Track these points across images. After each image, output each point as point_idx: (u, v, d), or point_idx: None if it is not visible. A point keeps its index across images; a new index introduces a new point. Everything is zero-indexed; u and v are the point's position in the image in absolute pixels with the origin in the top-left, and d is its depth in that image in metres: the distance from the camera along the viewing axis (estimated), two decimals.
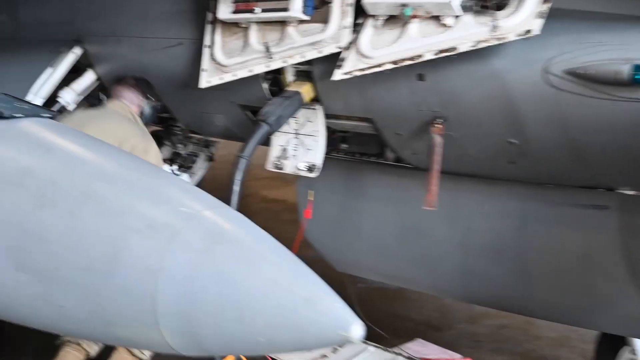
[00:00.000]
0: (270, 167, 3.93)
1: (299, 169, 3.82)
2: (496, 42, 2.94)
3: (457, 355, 4.38)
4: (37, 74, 4.51)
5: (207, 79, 3.78)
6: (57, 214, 2.37)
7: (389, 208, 4.19)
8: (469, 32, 3.00)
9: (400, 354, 4.18)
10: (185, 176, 5.02)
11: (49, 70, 4.51)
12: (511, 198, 3.73)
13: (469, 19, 3.02)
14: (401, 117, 3.52)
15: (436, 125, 3.32)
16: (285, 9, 3.43)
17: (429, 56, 3.10)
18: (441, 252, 4.03)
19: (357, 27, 3.37)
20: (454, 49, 3.03)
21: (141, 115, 4.32)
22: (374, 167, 4.16)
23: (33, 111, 2.93)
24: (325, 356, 4.18)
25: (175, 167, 5.04)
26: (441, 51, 3.07)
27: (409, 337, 4.69)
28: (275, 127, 3.57)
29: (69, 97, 4.56)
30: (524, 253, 3.74)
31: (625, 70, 2.77)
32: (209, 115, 4.38)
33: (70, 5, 4.61)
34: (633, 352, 3.82)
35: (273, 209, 7.32)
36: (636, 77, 2.77)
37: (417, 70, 3.26)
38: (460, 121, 3.33)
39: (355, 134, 3.99)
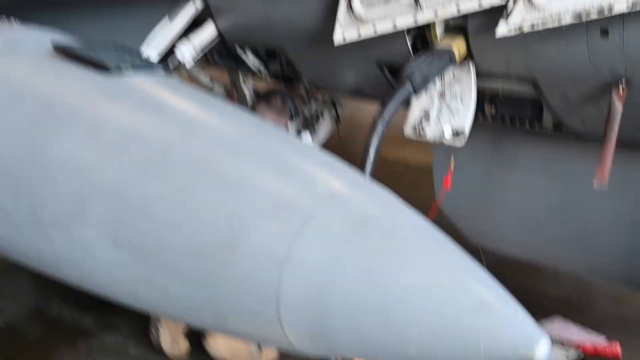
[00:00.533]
0: (409, 132, 3.45)
1: (444, 136, 3.33)
2: None
3: (601, 338, 4.13)
4: (154, 24, 4.18)
5: (343, 34, 3.30)
6: (165, 186, 2.08)
7: (543, 181, 3.74)
8: None
9: None
10: (307, 136, 4.64)
11: (165, 21, 4.16)
12: None
13: None
14: (573, 78, 3.03)
15: (618, 89, 2.82)
16: None
17: (620, 7, 2.54)
18: (604, 232, 3.59)
19: None
20: None
21: None
22: (527, 135, 3.68)
23: (143, 64, 2.65)
24: None
25: (296, 125, 4.66)
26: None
27: (545, 315, 4.39)
28: (419, 88, 3.07)
29: (186, 51, 4.19)
30: None
31: None
32: (340, 71, 3.94)
33: None
34: None
35: (394, 171, 6.89)
36: None
37: (599, 24, 2.73)
38: None
39: (505, 96, 3.48)
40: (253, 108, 4.17)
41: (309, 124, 4.79)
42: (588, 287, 4.98)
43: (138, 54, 2.91)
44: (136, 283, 2.18)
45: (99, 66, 2.45)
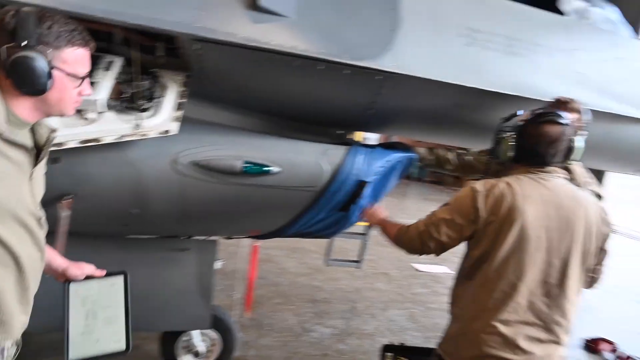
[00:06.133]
0: None
1: None
2: (140, 137, 3.15)
3: None
4: None
5: None
6: None
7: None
8: (112, 127, 3.09)
9: None
10: None
11: None
12: (118, 248, 3.98)
13: (112, 116, 3.13)
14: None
15: (65, 200, 3.25)
16: None
17: (73, 144, 3.02)
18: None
19: None
20: (98, 140, 3.06)
21: None
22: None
23: None
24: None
25: None
26: (86, 141, 3.05)
27: None
28: None
29: None
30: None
31: (238, 164, 3.43)
32: None
33: None
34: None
35: None
36: (245, 169, 3.43)
37: (53, 154, 3.07)
38: (90, 197, 3.35)
39: None
40: None
41: None
42: None
43: None
44: None
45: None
